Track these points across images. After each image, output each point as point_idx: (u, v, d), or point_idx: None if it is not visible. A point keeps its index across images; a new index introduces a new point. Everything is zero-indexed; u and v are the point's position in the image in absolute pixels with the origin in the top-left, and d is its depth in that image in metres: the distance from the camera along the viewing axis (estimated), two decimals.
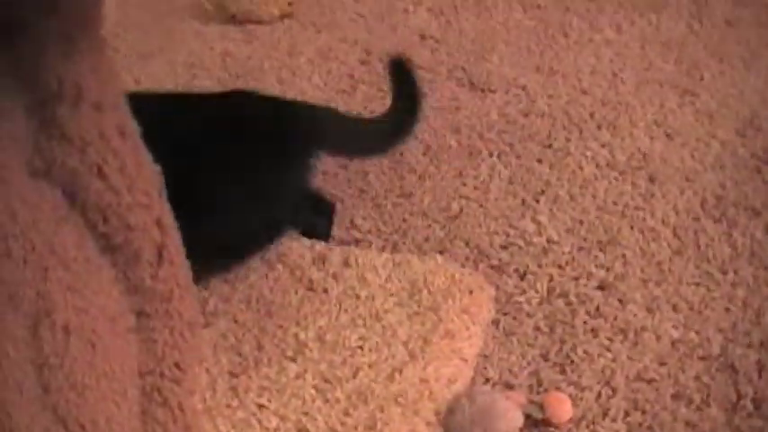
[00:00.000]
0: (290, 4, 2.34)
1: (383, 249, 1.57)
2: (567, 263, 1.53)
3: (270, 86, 2.04)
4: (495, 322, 1.43)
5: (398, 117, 1.66)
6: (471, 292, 1.41)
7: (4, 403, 1.01)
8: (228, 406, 1.27)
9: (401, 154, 1.79)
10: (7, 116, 0.88)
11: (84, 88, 0.91)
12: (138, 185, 0.98)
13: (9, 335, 0.97)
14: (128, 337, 1.08)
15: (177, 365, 1.13)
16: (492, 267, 1.54)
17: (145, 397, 1.14)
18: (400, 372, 1.29)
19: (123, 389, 1.10)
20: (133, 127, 0.97)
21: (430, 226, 1.64)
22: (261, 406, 1.27)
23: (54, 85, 0.89)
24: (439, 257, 1.50)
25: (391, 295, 1.41)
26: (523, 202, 1.67)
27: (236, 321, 1.40)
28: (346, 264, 1.47)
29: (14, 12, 0.84)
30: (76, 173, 0.94)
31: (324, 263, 1.47)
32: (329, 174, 1.75)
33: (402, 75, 1.66)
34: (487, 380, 1.35)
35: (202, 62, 2.21)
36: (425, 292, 1.41)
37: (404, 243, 1.59)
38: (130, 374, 1.11)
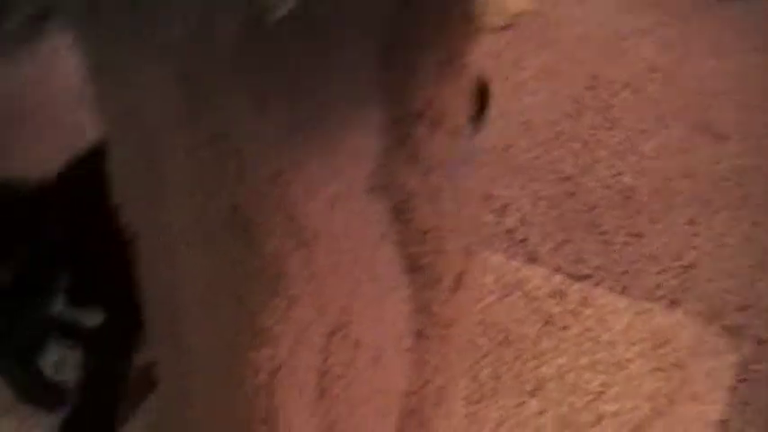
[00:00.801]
0: (515, 15, 2.29)
1: (612, 290, 1.52)
2: None
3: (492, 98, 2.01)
4: (731, 389, 1.38)
5: None
6: (716, 355, 1.36)
7: (284, 401, 1.00)
8: None
9: (630, 190, 1.74)
10: (361, 130, 0.87)
11: (447, 113, 0.89)
12: (465, 212, 0.96)
13: (307, 341, 0.96)
14: (404, 356, 1.06)
15: (441, 389, 1.11)
16: (725, 329, 1.48)
17: (403, 417, 1.13)
18: (646, 428, 1.25)
19: (389, 407, 1.09)
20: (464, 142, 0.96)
21: (661, 273, 1.58)
22: None
23: (419, 106, 0.87)
24: (680, 312, 1.45)
25: (633, 344, 1.37)
26: (761, 263, 1.60)
27: (473, 345, 1.37)
28: (585, 303, 1.43)
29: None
30: (413, 194, 0.92)
31: (562, 298, 1.44)
32: (554, 200, 1.71)
33: None
34: None
35: None
36: (670, 347, 1.36)
37: (634, 286, 1.54)
38: (397, 393, 1.10)
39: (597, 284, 1.52)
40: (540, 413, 1.27)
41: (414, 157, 0.89)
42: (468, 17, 0.89)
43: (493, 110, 1.97)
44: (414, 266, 1.00)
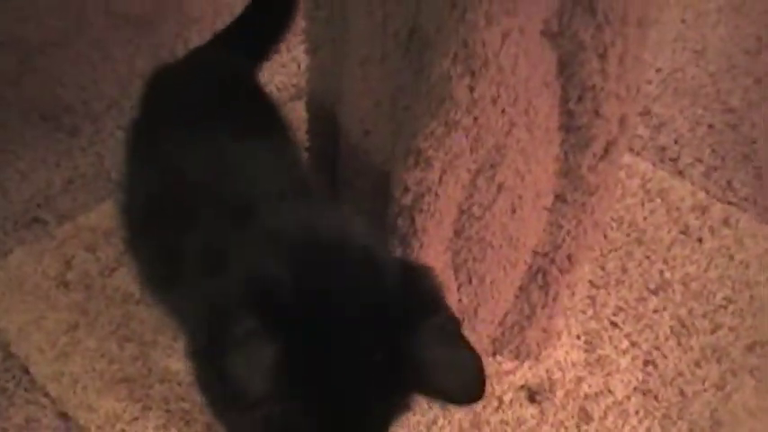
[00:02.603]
0: None
1: (758, 220, 1.51)
2: None
3: (670, 23, 1.99)
4: None
5: None
6: None
7: (424, 227, 1.05)
8: (584, 312, 1.28)
9: None
10: None
11: None
12: (627, 78, 0.98)
13: (456, 172, 1.00)
14: (541, 215, 1.09)
15: (569, 257, 1.14)
16: None
17: (529, 274, 1.16)
18: (762, 346, 1.26)
19: (516, 260, 1.13)
20: (649, 21, 0.97)
21: None
22: (614, 324, 1.27)
23: None
24: None
25: (766, 269, 1.36)
26: None
27: (605, 237, 1.39)
28: (726, 223, 1.43)
29: None
30: (582, 46, 0.95)
31: (703, 213, 1.44)
32: (715, 129, 1.69)
33: None
34: None
35: None
36: None
37: None
38: (526, 249, 1.13)
39: (742, 211, 1.51)
40: (658, 311, 1.29)
41: (591, 9, 0.91)
42: None
43: (668, 35, 1.97)
44: (569, 125, 1.03)
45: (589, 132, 1.03)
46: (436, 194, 1.02)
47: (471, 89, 0.93)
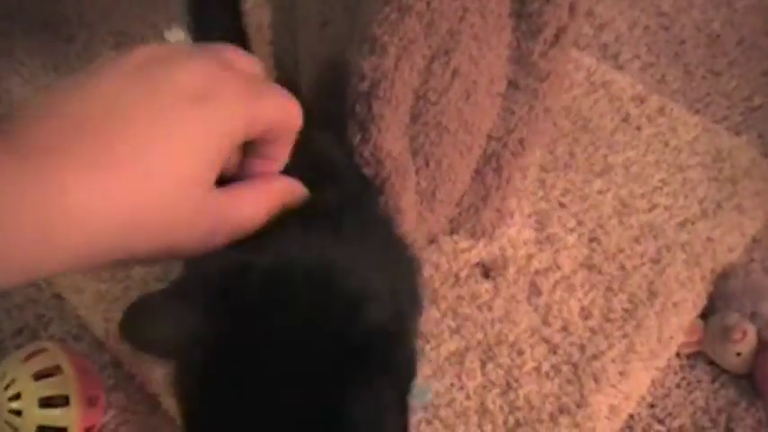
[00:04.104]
0: None
1: (688, 110, 1.33)
2: None
3: None
4: None
5: None
6: (765, 180, 1.17)
7: (381, 113, 0.85)
8: (534, 194, 1.10)
9: (717, 36, 1.51)
10: None
11: None
12: None
13: (410, 58, 0.80)
14: (494, 101, 0.90)
15: (521, 142, 0.95)
16: None
17: (483, 158, 0.98)
18: (692, 223, 1.09)
19: (471, 144, 0.94)
20: None
21: (730, 107, 1.38)
22: (562, 205, 1.09)
23: None
24: (744, 138, 1.25)
25: (696, 154, 1.18)
26: None
27: (554, 125, 1.20)
28: (662, 111, 1.24)
29: None
30: None
31: (642, 103, 1.25)
32: (650, 30, 1.49)
33: None
34: (752, 260, 1.13)
35: None
36: (728, 163, 1.17)
37: (705, 113, 1.35)
38: (481, 134, 0.94)
39: (675, 102, 1.33)
40: (602, 192, 1.11)
41: None
42: None
43: None
44: (521, 11, 0.83)
45: (540, 19, 0.83)
46: (392, 81, 0.82)
47: None
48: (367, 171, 0.88)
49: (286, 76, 1.04)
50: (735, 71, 1.47)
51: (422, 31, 0.78)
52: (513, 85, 0.90)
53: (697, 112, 1.35)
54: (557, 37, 0.85)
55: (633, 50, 1.46)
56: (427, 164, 0.94)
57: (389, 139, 0.88)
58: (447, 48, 0.82)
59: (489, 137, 0.95)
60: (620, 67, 1.39)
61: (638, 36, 1.50)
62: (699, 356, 1.04)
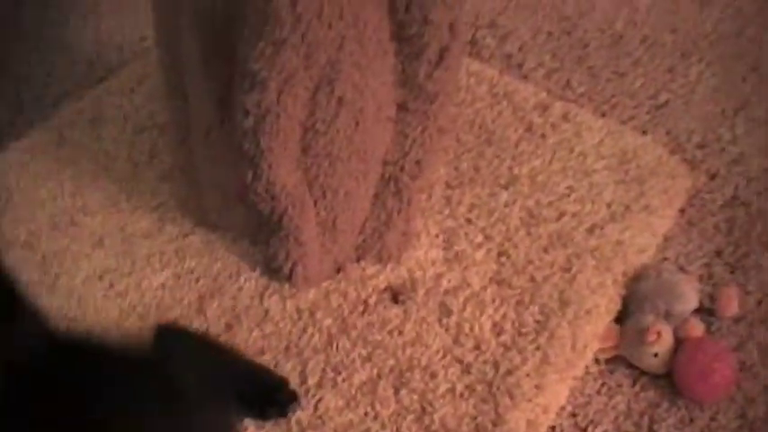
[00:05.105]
0: None
1: (593, 114, 1.35)
2: (754, 177, 1.29)
3: None
4: (681, 210, 1.22)
5: None
6: (673, 178, 1.19)
7: (270, 147, 0.85)
8: (440, 212, 1.10)
9: (620, 36, 1.54)
10: None
11: None
12: None
13: (293, 90, 0.80)
14: (386, 125, 0.90)
15: (418, 163, 0.96)
16: (686, 161, 1.31)
17: (382, 182, 0.98)
18: (601, 228, 1.10)
19: (367, 170, 0.94)
20: None
21: (636, 107, 1.40)
22: (469, 221, 1.10)
23: None
24: (650, 137, 1.27)
25: (602, 158, 1.20)
26: (723, 111, 1.42)
27: (458, 140, 1.21)
28: (565, 118, 1.26)
29: None
30: None
31: (545, 110, 1.26)
32: (553, 36, 1.52)
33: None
34: (665, 259, 1.15)
35: None
36: (634, 164, 1.20)
37: (611, 114, 1.37)
38: (376, 160, 0.94)
39: (580, 107, 1.35)
40: (509, 204, 1.12)
41: None
42: None
43: None
44: (401, 35, 0.83)
45: (421, 40, 0.84)
46: (276, 115, 0.82)
47: (293, 5, 0.73)
48: (263, 207, 0.87)
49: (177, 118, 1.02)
50: (639, 70, 1.50)
51: (300, 63, 0.78)
52: (402, 108, 0.90)
53: (604, 114, 1.37)
54: (440, 57, 0.85)
55: (537, 58, 1.47)
56: (324, 194, 0.93)
57: (282, 173, 0.88)
58: (329, 78, 0.82)
59: (385, 161, 0.95)
60: (525, 76, 1.40)
61: (542, 43, 1.52)
62: (618, 361, 1.05)
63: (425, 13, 0.80)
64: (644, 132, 1.35)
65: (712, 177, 1.29)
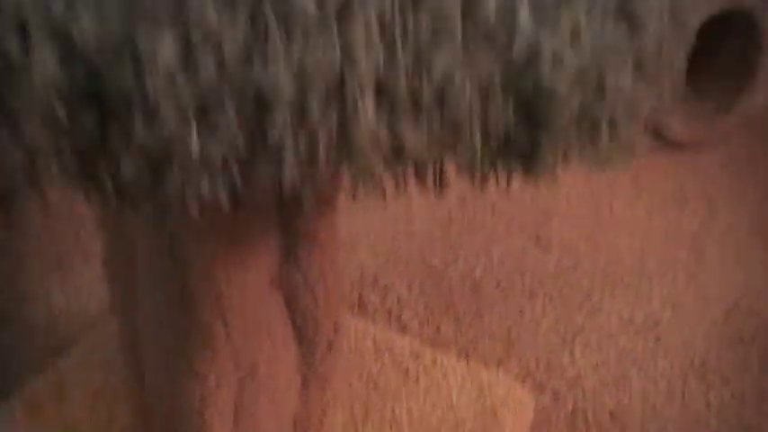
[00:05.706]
0: None
1: (459, 354, 1.72)
2: (588, 392, 1.67)
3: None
4: (532, 428, 1.57)
5: None
6: (521, 402, 1.55)
7: (211, 423, 1.18)
8: None
9: (475, 281, 1.95)
10: (264, 248, 1.07)
11: (319, 237, 1.09)
12: (331, 300, 1.16)
13: (226, 382, 1.14)
14: (294, 394, 1.24)
15: (321, 416, 1.29)
16: (535, 383, 1.68)
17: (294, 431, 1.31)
18: None
19: (284, 427, 1.27)
20: (336, 257, 1.15)
21: (494, 345, 1.78)
22: None
23: (305, 231, 1.08)
24: (501, 372, 1.65)
25: (463, 394, 1.56)
26: (563, 339, 1.82)
27: (350, 386, 1.55)
28: (434, 362, 1.62)
29: None
30: (297, 287, 1.12)
31: (418, 358, 1.63)
32: (425, 287, 1.91)
33: None
34: None
35: None
36: (489, 396, 1.55)
37: (474, 353, 1.74)
38: (289, 419, 1.28)
39: (447, 350, 1.71)
40: None
41: (298, 266, 1.09)
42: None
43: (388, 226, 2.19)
44: (299, 335, 1.19)
45: (315, 338, 1.20)
46: (214, 398, 1.16)
47: (226, 327, 1.08)
48: None
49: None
50: (495, 311, 1.89)
51: (232, 364, 1.13)
52: (306, 383, 1.25)
53: (467, 354, 1.75)
54: (330, 348, 1.21)
55: (412, 310, 1.85)
56: None
57: None
58: (252, 371, 1.16)
59: (296, 418, 1.29)
60: (404, 327, 1.77)
61: (417, 295, 1.91)
62: None
63: (316, 321, 1.17)
64: (499, 363, 1.73)
65: (556, 398, 1.66)
